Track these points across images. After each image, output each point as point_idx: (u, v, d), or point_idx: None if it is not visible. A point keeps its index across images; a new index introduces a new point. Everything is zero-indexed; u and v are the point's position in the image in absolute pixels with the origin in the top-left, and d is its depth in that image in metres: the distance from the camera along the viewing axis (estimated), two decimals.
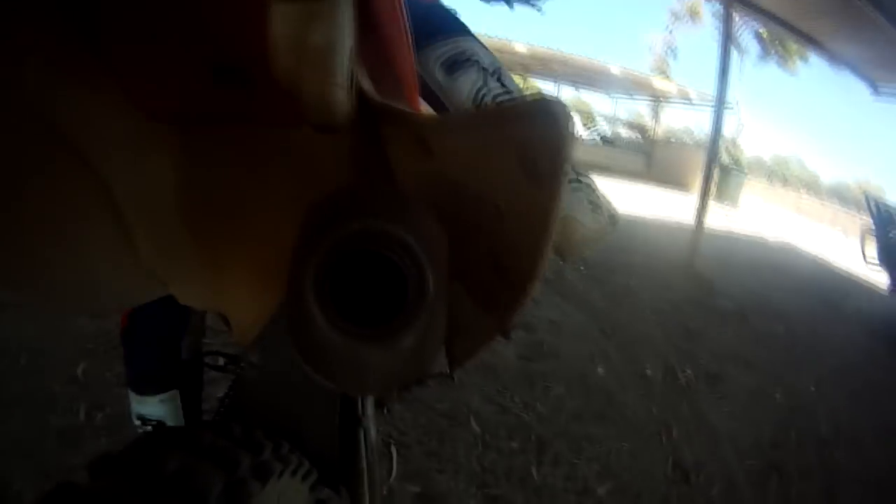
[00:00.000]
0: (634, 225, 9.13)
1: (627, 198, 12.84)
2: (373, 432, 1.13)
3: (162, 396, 1.10)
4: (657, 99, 22.50)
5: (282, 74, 0.48)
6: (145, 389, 1.29)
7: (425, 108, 0.95)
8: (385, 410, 1.34)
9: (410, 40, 0.64)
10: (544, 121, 0.40)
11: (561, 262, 5.27)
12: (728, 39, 7.15)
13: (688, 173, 17.73)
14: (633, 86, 20.44)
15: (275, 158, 0.77)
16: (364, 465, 1.02)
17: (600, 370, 3.25)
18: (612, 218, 1.61)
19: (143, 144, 0.68)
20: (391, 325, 0.49)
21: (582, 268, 5.54)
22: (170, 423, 1.25)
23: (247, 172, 0.77)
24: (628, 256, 6.48)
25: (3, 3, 0.53)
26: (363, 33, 0.54)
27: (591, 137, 24.33)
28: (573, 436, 2.52)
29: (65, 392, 2.19)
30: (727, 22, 7.33)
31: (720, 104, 7.06)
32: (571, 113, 0.40)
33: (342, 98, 0.50)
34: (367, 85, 0.63)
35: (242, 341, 0.86)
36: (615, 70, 17.85)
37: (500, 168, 0.48)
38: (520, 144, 0.43)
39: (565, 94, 23.65)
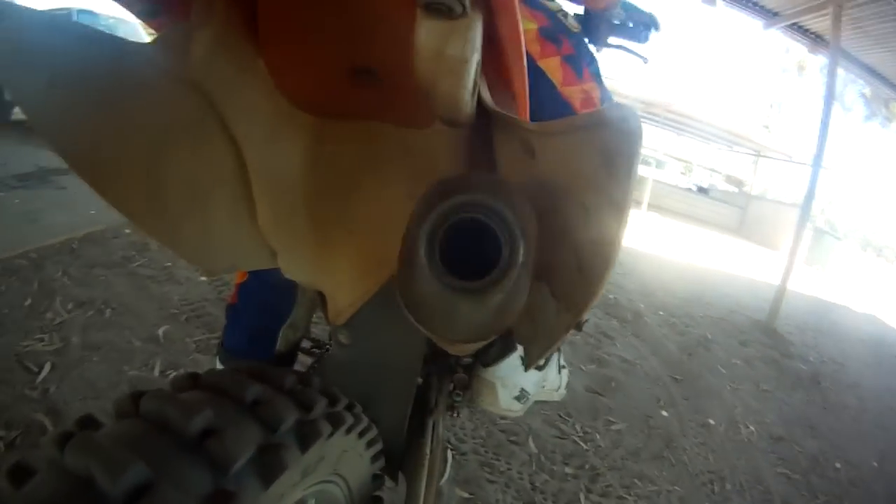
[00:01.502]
0: (721, 279, 8.99)
1: (717, 251, 12.59)
2: (441, 429, 1.22)
3: None
4: (757, 152, 21.96)
5: (420, 77, 0.58)
6: (230, 363, 1.33)
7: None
8: (456, 414, 1.46)
9: (525, 60, 0.71)
10: (621, 124, 0.48)
11: (641, 306, 5.32)
12: (831, 96, 6.98)
13: (781, 231, 17.21)
14: (733, 137, 19.99)
15: (394, 156, 0.86)
16: (427, 455, 1.08)
17: (664, 413, 3.30)
18: (557, 393, 1.75)
19: (282, 125, 0.78)
20: (485, 281, 0.57)
21: (661, 313, 5.56)
22: None
23: (368, 165, 0.86)
24: (710, 309, 6.45)
25: None
26: (488, 51, 0.63)
27: (688, 186, 23.90)
28: (627, 471, 2.59)
29: (144, 348, 2.34)
30: (832, 78, 7.16)
31: (818, 163, 6.87)
32: (641, 119, 0.48)
33: (468, 99, 0.61)
34: (485, 94, 0.72)
35: (336, 321, 0.94)
36: (717, 120, 17.51)
37: (587, 167, 0.55)
38: (603, 145, 0.50)
39: (666, 140, 23.30)
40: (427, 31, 0.54)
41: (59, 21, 0.51)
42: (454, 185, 0.61)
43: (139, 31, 8.31)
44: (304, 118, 0.81)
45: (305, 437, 0.65)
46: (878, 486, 3.41)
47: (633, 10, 1.74)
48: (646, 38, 1.78)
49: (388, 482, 1.04)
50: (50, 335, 2.28)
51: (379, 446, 0.91)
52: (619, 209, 0.49)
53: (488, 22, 0.59)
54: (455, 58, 0.55)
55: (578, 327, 0.63)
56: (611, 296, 5.45)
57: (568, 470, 2.45)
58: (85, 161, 0.54)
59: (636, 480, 2.55)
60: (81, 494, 0.47)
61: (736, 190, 25.12)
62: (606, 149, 0.50)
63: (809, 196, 6.98)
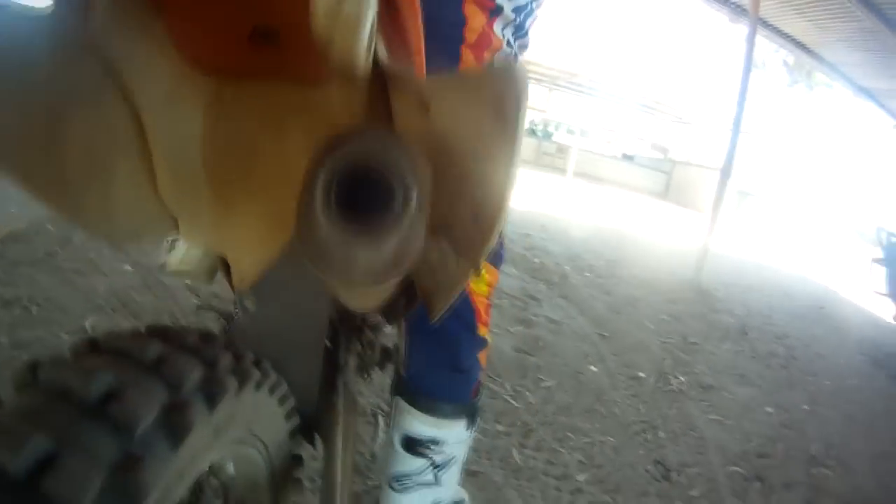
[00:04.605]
0: (648, 241, 9.20)
1: (644, 215, 12.86)
2: (353, 387, 1.20)
3: None
4: (681, 119, 22.47)
5: (317, 34, 0.54)
6: None
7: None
8: (366, 375, 1.39)
9: (421, 17, 0.71)
10: (509, 77, 0.52)
11: (568, 269, 5.31)
12: (750, 64, 7.18)
13: (705, 194, 17.73)
14: (657, 105, 20.40)
15: (294, 114, 0.82)
16: (340, 414, 1.06)
17: (593, 369, 3.27)
18: None
19: (181, 88, 0.74)
20: (378, 226, 0.56)
21: (588, 274, 5.57)
22: None
23: (267, 124, 0.82)
24: (638, 269, 6.52)
25: None
26: (382, 9, 0.60)
27: (613, 154, 24.38)
28: (559, 426, 2.55)
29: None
30: (750, 46, 7.36)
31: (738, 126, 7.10)
32: (527, 76, 0.54)
33: (364, 56, 0.58)
34: (381, 52, 0.69)
35: (240, 286, 0.90)
36: (641, 88, 17.82)
37: (480, 118, 0.57)
38: (495, 97, 0.54)
39: (591, 107, 23.65)
40: None
41: None
42: (348, 137, 0.61)
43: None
44: (203, 80, 0.76)
45: (212, 393, 0.63)
46: (811, 427, 3.46)
47: None
48: None
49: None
50: None
51: (291, 402, 0.89)
52: (507, 157, 0.55)
53: None
54: (352, 15, 0.53)
55: (477, 273, 0.70)
56: (536, 259, 5.44)
57: (500, 427, 2.41)
58: None
59: (569, 434, 2.51)
60: None
61: (661, 156, 25.74)
62: (495, 100, 0.55)
63: (730, 158, 7.18)
